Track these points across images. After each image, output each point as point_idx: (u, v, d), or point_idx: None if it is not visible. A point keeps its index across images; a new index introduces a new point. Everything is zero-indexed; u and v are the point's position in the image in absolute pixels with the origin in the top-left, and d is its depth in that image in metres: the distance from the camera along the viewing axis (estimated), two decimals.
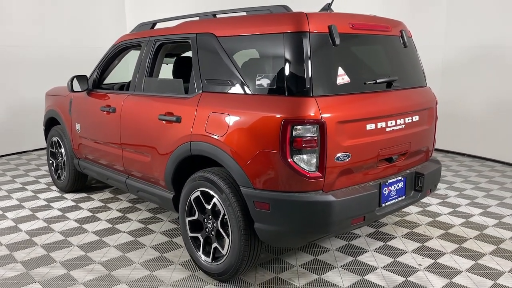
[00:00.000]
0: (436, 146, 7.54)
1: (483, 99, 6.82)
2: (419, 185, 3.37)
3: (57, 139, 5.24)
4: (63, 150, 5.17)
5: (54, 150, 5.38)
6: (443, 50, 7.24)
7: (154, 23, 4.21)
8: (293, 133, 2.67)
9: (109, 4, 8.73)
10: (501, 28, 6.46)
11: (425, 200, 5.01)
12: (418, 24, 7.39)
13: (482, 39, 6.71)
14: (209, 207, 3.17)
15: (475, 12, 6.77)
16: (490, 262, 3.53)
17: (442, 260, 3.56)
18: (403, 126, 3.18)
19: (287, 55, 2.80)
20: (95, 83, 4.61)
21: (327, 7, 3.36)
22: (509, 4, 6.36)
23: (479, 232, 4.13)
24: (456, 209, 4.72)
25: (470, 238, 3.99)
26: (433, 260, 3.56)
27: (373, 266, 3.47)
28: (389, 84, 3.18)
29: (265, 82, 2.90)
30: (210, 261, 3.22)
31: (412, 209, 4.71)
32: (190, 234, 3.36)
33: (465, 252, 3.71)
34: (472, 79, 6.92)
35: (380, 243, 3.88)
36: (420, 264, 3.50)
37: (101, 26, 8.45)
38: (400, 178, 3.23)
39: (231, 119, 2.97)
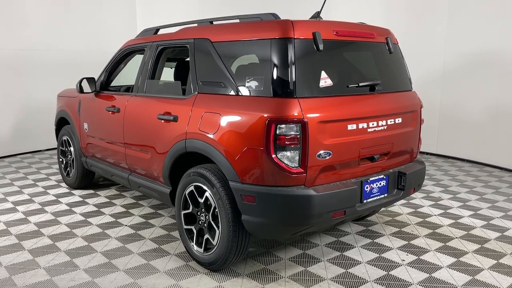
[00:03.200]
0: (436, 152, 7.75)
1: (483, 105, 6.93)
2: (401, 184, 3.54)
3: (67, 138, 5.54)
4: (72, 149, 5.45)
5: (64, 149, 5.67)
6: (443, 56, 7.38)
7: (157, 29, 4.47)
8: (277, 131, 2.88)
9: (121, 10, 9.06)
10: (501, 35, 6.58)
11: (417, 201, 5.16)
12: (419, 31, 7.58)
13: (482, 46, 6.84)
14: (201, 200, 3.39)
15: (475, 19, 6.89)
16: (471, 260, 3.68)
17: (425, 257, 3.72)
18: (385, 127, 3.37)
19: (274, 59, 3.02)
20: (103, 85, 4.89)
21: (316, 15, 3.58)
22: (509, 11, 6.48)
23: (466, 232, 4.27)
24: (447, 211, 4.86)
25: (456, 238, 4.14)
26: (416, 257, 3.72)
27: (357, 261, 3.64)
28: (372, 88, 3.37)
29: (253, 84, 3.12)
30: (202, 252, 3.43)
31: (404, 209, 4.87)
32: (185, 226, 3.58)
33: (449, 250, 3.86)
34: (472, 85, 7.03)
35: (367, 240, 4.05)
36: (403, 260, 3.66)
37: (113, 32, 8.75)
38: (382, 176, 3.41)
39: (222, 118, 3.20)
